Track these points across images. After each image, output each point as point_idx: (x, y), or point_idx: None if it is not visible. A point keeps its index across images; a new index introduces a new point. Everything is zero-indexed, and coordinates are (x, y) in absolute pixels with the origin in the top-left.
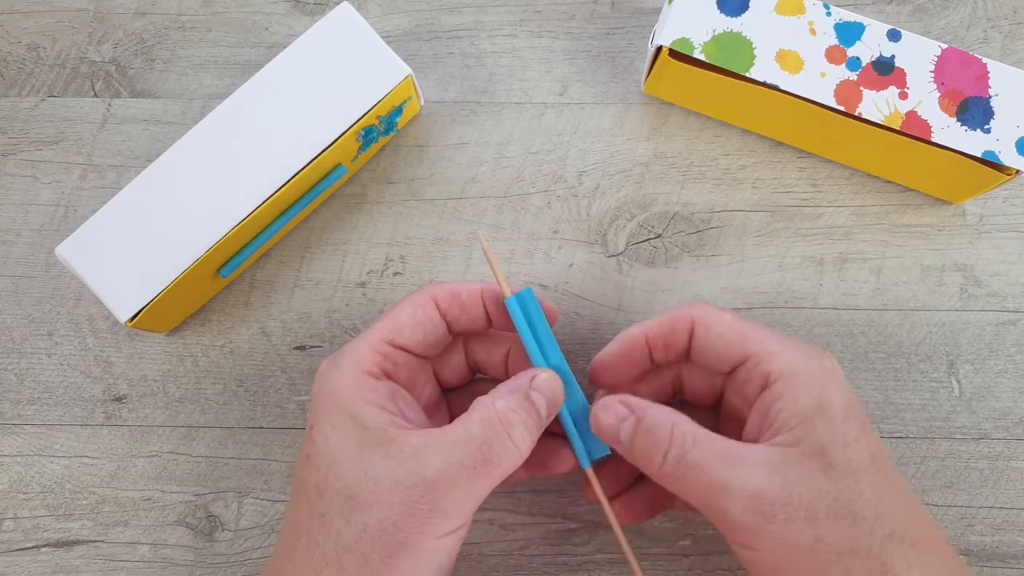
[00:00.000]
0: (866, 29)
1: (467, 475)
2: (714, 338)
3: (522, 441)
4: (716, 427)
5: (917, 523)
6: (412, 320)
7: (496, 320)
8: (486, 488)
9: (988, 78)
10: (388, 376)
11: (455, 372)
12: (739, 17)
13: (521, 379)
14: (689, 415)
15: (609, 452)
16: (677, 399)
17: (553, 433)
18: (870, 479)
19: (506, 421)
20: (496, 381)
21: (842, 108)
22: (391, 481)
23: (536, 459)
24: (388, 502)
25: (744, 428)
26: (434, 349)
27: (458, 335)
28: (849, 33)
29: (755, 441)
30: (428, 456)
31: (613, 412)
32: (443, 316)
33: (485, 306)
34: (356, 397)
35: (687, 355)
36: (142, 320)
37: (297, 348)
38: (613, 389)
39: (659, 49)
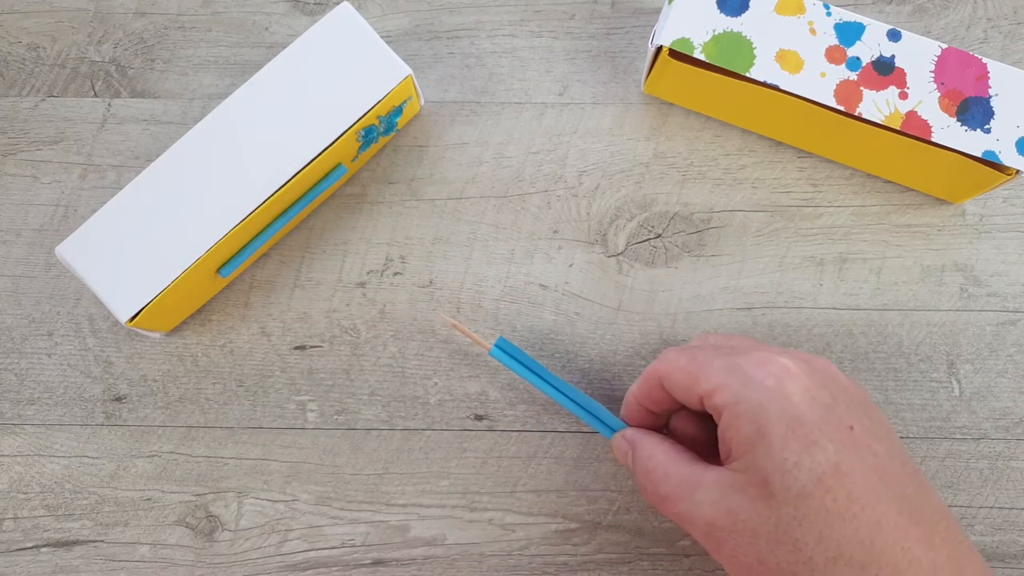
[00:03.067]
0: (866, 29)
1: None
2: (675, 387)
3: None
4: None
5: (880, 539)
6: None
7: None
8: None
9: (988, 78)
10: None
11: None
12: (739, 17)
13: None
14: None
15: (627, 425)
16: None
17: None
18: (815, 502)
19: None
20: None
21: (842, 108)
22: None
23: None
24: None
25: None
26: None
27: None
28: (849, 33)
29: (721, 464)
30: None
31: (619, 446)
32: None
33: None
34: None
35: (673, 399)
36: (142, 320)
37: (297, 348)
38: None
39: (659, 49)
